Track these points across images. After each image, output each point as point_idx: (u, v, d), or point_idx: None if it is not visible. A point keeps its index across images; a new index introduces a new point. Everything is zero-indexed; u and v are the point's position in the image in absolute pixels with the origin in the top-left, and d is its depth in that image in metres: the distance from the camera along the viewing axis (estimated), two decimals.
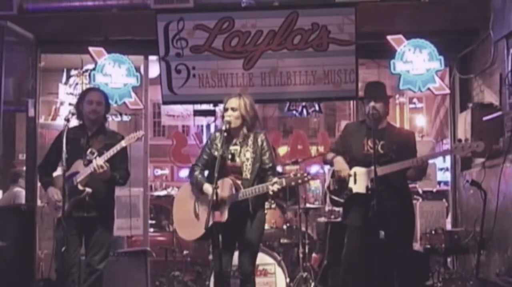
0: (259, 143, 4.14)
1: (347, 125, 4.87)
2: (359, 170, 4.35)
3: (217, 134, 4.23)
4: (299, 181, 3.90)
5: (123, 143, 4.24)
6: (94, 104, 4.42)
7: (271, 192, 3.90)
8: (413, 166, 4.22)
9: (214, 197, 3.87)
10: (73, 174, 4.27)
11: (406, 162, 4.20)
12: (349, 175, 4.35)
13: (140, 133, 4.28)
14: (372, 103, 4.35)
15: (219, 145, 4.11)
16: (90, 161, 4.24)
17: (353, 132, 4.57)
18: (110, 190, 4.51)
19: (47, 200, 4.49)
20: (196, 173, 4.20)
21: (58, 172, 4.50)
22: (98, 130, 4.47)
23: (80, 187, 4.22)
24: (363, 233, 4.26)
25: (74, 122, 4.50)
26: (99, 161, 4.15)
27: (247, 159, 4.10)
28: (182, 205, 4.30)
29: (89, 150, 4.30)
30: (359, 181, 4.33)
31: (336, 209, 5.83)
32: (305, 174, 3.91)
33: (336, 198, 4.49)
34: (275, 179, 3.90)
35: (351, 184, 4.37)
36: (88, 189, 4.24)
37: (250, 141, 4.14)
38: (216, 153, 4.10)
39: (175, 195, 4.41)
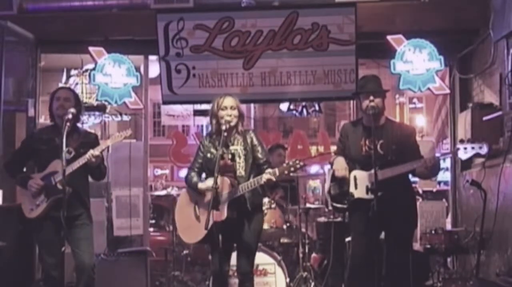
0: (249, 140, 4.18)
1: (343, 125, 4.63)
2: (360, 174, 4.19)
3: (209, 137, 4.27)
4: (292, 169, 3.91)
5: (108, 142, 4.24)
6: (61, 100, 4.41)
7: (265, 180, 3.90)
8: (420, 167, 4.04)
9: (214, 197, 3.86)
10: (51, 173, 4.25)
11: (408, 165, 4.04)
12: (345, 176, 4.20)
13: (127, 131, 4.27)
14: (371, 99, 4.14)
15: (211, 147, 4.16)
16: (68, 161, 4.20)
17: (350, 133, 4.38)
18: (87, 188, 4.51)
19: (27, 199, 4.40)
20: (191, 176, 4.25)
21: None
22: (71, 129, 4.39)
23: (59, 186, 4.20)
24: (367, 238, 4.14)
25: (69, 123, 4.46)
26: (95, 152, 4.18)
27: (239, 157, 4.12)
28: (182, 211, 4.33)
29: (66, 149, 4.27)
30: (360, 185, 4.17)
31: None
32: (297, 161, 3.91)
33: (339, 206, 4.35)
34: (269, 170, 3.95)
35: (352, 189, 4.21)
36: (69, 189, 4.21)
37: (241, 139, 4.18)
38: (209, 155, 4.16)
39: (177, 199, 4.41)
